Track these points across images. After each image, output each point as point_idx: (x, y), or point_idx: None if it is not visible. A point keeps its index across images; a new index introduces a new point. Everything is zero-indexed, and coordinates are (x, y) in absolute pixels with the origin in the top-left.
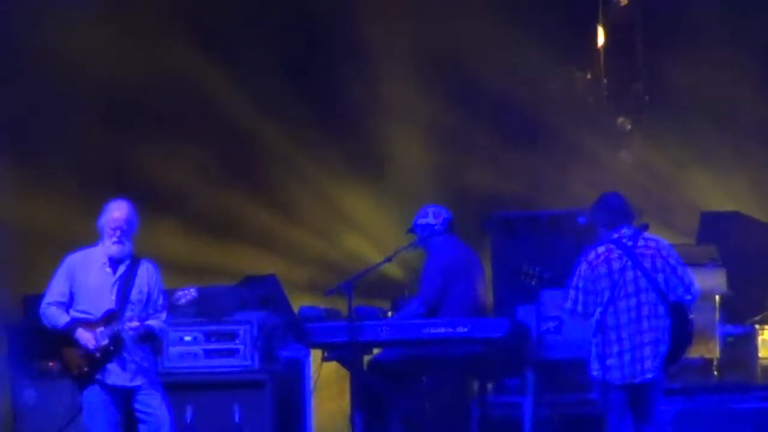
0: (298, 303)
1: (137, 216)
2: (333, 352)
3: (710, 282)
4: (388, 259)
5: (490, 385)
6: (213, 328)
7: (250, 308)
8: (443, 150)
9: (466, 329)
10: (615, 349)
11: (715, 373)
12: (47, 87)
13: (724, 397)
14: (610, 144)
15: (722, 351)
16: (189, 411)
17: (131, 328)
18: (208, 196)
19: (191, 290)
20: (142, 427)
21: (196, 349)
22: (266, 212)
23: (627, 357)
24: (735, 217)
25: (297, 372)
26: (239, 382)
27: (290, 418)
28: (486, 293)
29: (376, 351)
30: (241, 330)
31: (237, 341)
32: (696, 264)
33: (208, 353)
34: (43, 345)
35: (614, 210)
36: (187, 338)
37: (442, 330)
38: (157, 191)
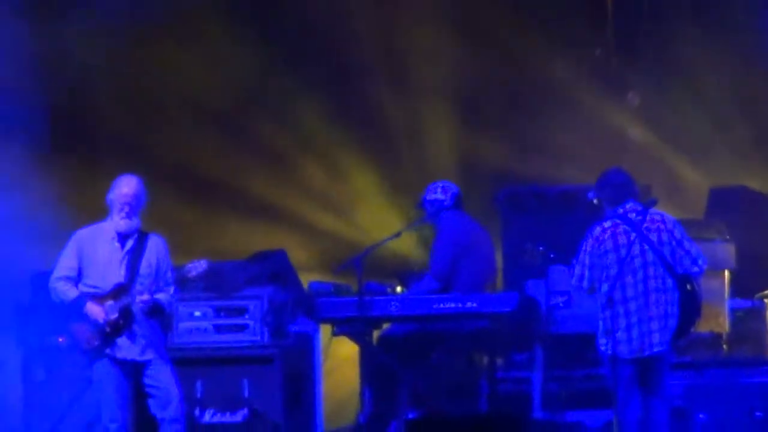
0: (307, 279)
1: (146, 191)
2: (342, 327)
3: (719, 257)
4: (397, 235)
5: (499, 360)
6: (223, 303)
7: (259, 283)
8: (456, 126)
9: (475, 304)
10: (623, 323)
11: (724, 347)
12: None
13: (733, 371)
14: (619, 119)
15: (731, 325)
16: (199, 386)
17: (142, 301)
18: (218, 170)
19: (202, 262)
20: (151, 402)
21: (205, 324)
22: (278, 187)
23: (635, 331)
24: (743, 192)
25: (306, 347)
26: (249, 357)
27: (300, 393)
28: (495, 268)
29: (385, 326)
30: (251, 305)
31: (247, 316)
32: (705, 239)
33: (218, 328)
34: (52, 321)
35: (618, 185)
36: (197, 313)
37: (452, 305)
38: (167, 165)
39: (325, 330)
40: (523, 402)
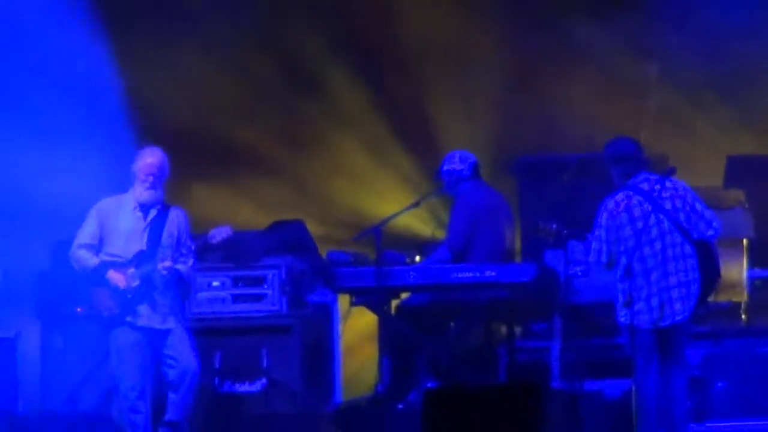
0: (326, 249)
1: (169, 164)
2: (361, 297)
3: (737, 226)
4: (416, 204)
5: (517, 330)
6: (241, 273)
7: (278, 253)
8: (473, 97)
9: (493, 274)
10: (644, 293)
11: (743, 316)
12: None
13: (751, 340)
14: (636, 89)
15: (750, 295)
16: (217, 356)
17: (165, 268)
18: (242, 139)
19: (226, 228)
20: (169, 372)
21: (224, 294)
22: (300, 158)
23: (655, 301)
24: (762, 160)
25: (325, 317)
26: (267, 327)
27: (318, 363)
28: (514, 238)
29: (404, 296)
30: (269, 275)
31: (265, 286)
32: (723, 208)
33: (236, 298)
34: (71, 291)
35: (629, 157)
36: (215, 283)
37: (470, 275)
38: (190, 136)
39: (343, 300)
40: (541, 371)
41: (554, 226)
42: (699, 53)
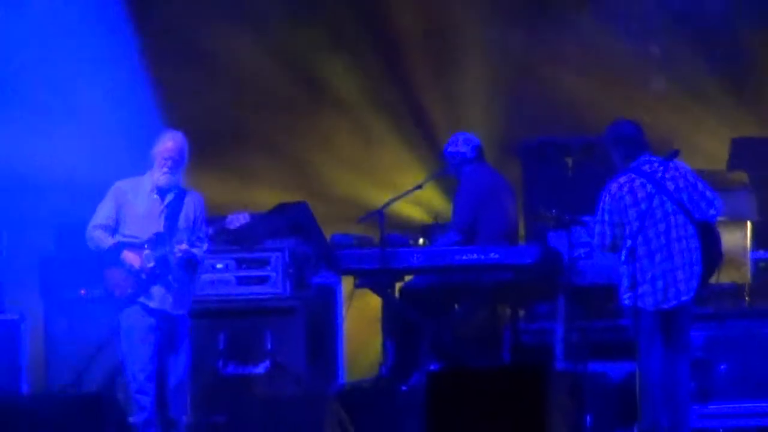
0: (330, 232)
1: (188, 150)
2: (365, 279)
3: (741, 207)
4: (419, 186)
5: (521, 312)
6: (245, 255)
7: (281, 235)
8: (476, 78)
9: (497, 255)
10: (648, 275)
11: (747, 298)
12: None
13: (754, 322)
14: (641, 70)
15: (753, 276)
16: (221, 338)
17: (180, 250)
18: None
19: (245, 215)
20: (169, 363)
21: (228, 276)
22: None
23: (660, 283)
24: (766, 142)
25: (329, 299)
26: (271, 309)
27: (322, 345)
28: (518, 220)
29: (407, 278)
30: (273, 257)
31: (269, 268)
32: (727, 190)
33: (240, 280)
34: (75, 273)
35: (631, 139)
36: (219, 265)
37: (474, 256)
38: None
39: (347, 282)
40: (545, 353)
41: (554, 211)
42: (699, 37)
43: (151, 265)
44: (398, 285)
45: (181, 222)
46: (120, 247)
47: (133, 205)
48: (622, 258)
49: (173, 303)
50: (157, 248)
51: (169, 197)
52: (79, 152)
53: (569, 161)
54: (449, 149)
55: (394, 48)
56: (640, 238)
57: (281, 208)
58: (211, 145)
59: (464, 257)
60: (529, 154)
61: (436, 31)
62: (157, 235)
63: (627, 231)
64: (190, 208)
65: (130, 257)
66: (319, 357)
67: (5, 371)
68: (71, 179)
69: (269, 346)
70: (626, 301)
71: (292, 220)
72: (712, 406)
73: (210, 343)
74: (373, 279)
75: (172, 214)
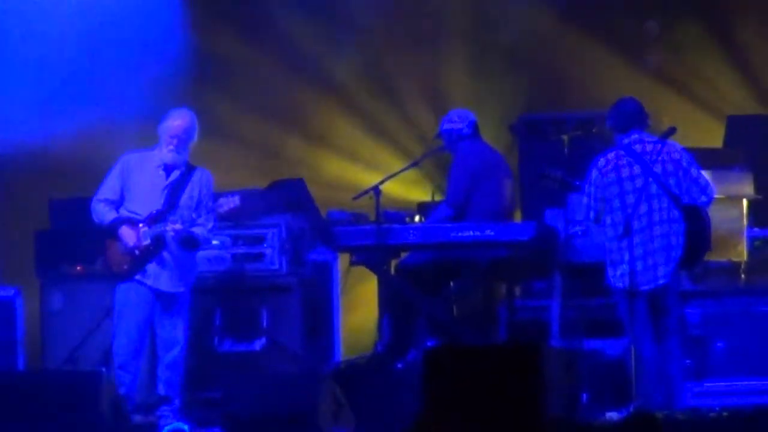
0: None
1: (197, 128)
2: (360, 256)
3: (737, 186)
4: (415, 163)
5: (517, 289)
6: (240, 231)
7: (277, 212)
8: (470, 55)
9: (493, 232)
10: (627, 256)
11: (743, 276)
12: None
13: (751, 299)
14: (637, 48)
15: (749, 254)
16: (217, 315)
17: (173, 230)
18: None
19: (235, 197)
20: (159, 340)
21: (223, 253)
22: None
23: (640, 264)
24: (762, 120)
25: (325, 276)
26: (267, 286)
27: (318, 322)
28: (513, 196)
29: (403, 255)
30: (269, 234)
31: (265, 245)
32: (723, 167)
33: (236, 257)
34: (71, 249)
35: (627, 114)
36: (215, 242)
37: (470, 233)
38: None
39: (343, 259)
40: (541, 330)
41: (559, 173)
42: (697, 12)
43: (147, 242)
44: (394, 262)
45: (184, 200)
46: (120, 221)
47: (138, 180)
48: (606, 235)
49: (169, 281)
50: (155, 225)
51: (174, 174)
52: (77, 126)
53: (565, 138)
54: (445, 126)
55: (392, 30)
56: (620, 217)
57: (277, 185)
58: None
59: (460, 234)
60: (525, 131)
61: (428, 13)
62: (156, 212)
63: (608, 207)
64: (195, 186)
65: (126, 233)
66: (315, 334)
67: (1, 348)
68: (67, 154)
69: (265, 323)
70: (611, 280)
71: (288, 197)
72: (708, 384)
73: (206, 320)
74: (369, 255)
75: (174, 191)
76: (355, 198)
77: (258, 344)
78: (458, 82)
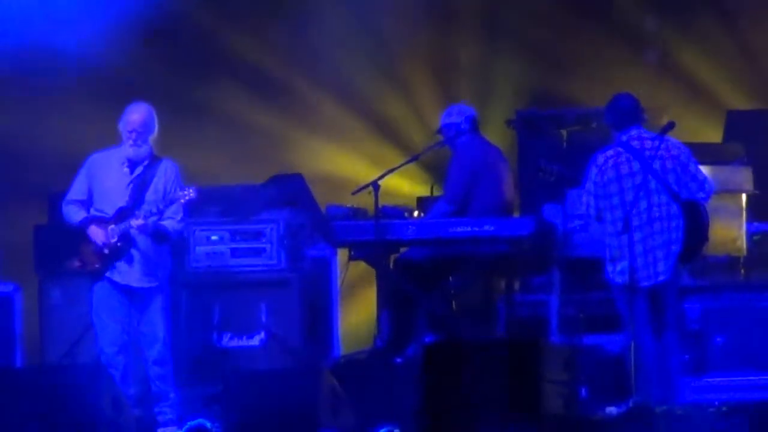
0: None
1: (155, 119)
2: (359, 251)
3: (737, 180)
4: (415, 158)
5: (516, 284)
6: (239, 227)
7: (276, 207)
8: (470, 49)
9: (492, 228)
10: (627, 252)
11: (742, 271)
12: None
13: (750, 294)
14: (636, 43)
15: (749, 249)
16: (216, 310)
17: (136, 226)
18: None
19: (190, 190)
20: (140, 337)
21: (222, 248)
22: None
23: (640, 261)
24: (762, 114)
25: (324, 271)
26: (266, 281)
27: (317, 317)
28: (512, 192)
29: (402, 250)
30: (268, 229)
31: (263, 240)
32: (722, 162)
33: (235, 252)
34: (68, 244)
35: (623, 111)
36: (214, 237)
37: (469, 229)
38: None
39: (342, 254)
40: (540, 326)
41: (556, 167)
42: (698, 5)
43: (115, 240)
44: (393, 257)
45: (150, 194)
46: (88, 221)
47: (103, 179)
48: (606, 232)
49: (139, 277)
50: (121, 223)
51: (138, 169)
52: (73, 121)
53: (563, 133)
54: (444, 121)
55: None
56: (620, 214)
57: (276, 180)
58: (184, 121)
59: (459, 229)
60: (524, 126)
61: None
62: (121, 209)
63: (609, 204)
64: (160, 178)
65: (95, 232)
66: (315, 329)
67: (0, 343)
68: (63, 147)
69: (264, 319)
70: (610, 276)
71: (287, 192)
72: (707, 379)
73: (204, 315)
74: (368, 251)
75: (139, 186)
76: (354, 193)
77: (257, 339)
78: (465, 73)
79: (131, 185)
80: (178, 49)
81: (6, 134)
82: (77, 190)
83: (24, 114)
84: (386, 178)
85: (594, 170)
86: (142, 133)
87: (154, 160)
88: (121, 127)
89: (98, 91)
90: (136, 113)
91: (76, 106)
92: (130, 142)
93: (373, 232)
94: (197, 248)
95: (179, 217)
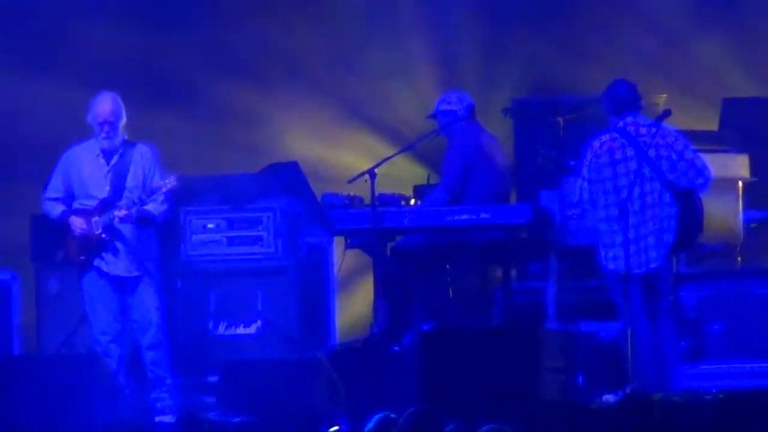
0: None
1: (122, 105)
2: (356, 239)
3: (733, 168)
4: (411, 146)
5: (513, 271)
6: (236, 215)
7: (273, 195)
8: (467, 38)
9: (488, 215)
10: (619, 239)
11: (739, 258)
12: None
13: (747, 282)
14: (634, 29)
15: (745, 237)
16: (212, 298)
17: (119, 217)
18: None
19: (171, 178)
20: (133, 324)
21: (218, 236)
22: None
23: (632, 247)
24: (757, 102)
25: (320, 259)
26: (262, 269)
27: (314, 305)
28: (509, 180)
29: (398, 238)
30: (264, 217)
31: (260, 228)
32: (718, 150)
33: (231, 240)
34: (64, 233)
35: (620, 97)
36: (210, 226)
37: (465, 216)
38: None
39: (339, 242)
40: (537, 313)
41: (554, 153)
42: None
43: (99, 231)
44: (389, 245)
45: (129, 181)
46: (68, 214)
47: (81, 173)
48: (599, 217)
49: (125, 266)
50: (104, 214)
51: (115, 159)
52: (67, 110)
53: (560, 121)
54: (441, 107)
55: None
56: (613, 200)
57: (272, 168)
58: (179, 110)
59: (455, 217)
60: (520, 114)
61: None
62: (103, 201)
63: (600, 189)
64: (138, 165)
65: (76, 223)
66: (311, 317)
67: None
68: (61, 136)
69: (260, 307)
70: (604, 262)
71: (283, 180)
72: (704, 366)
73: (201, 303)
74: (365, 239)
75: (118, 175)
76: (350, 181)
77: (254, 328)
78: (464, 62)
79: (110, 174)
80: (176, 39)
81: (2, 122)
82: (54, 187)
83: (21, 102)
84: (383, 168)
85: (589, 155)
86: (113, 122)
87: (128, 147)
88: (90, 120)
89: (98, 79)
90: (105, 104)
91: (75, 95)
92: (103, 134)
93: (370, 220)
94: (193, 236)
95: (161, 198)
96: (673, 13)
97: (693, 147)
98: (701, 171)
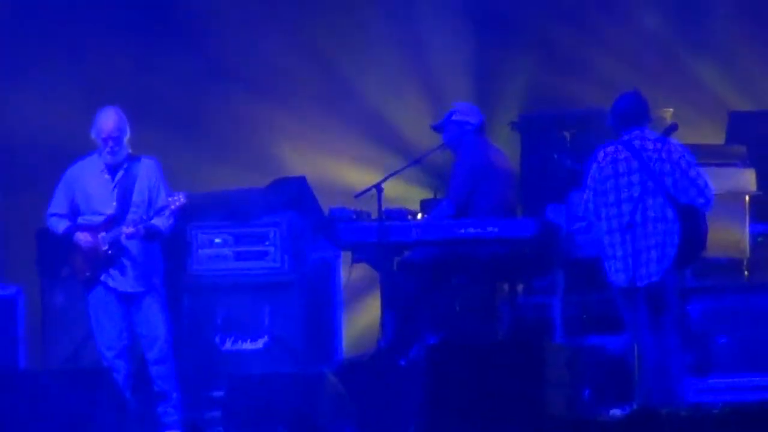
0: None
1: (126, 120)
2: (362, 253)
3: (739, 181)
4: (417, 161)
5: (520, 285)
6: (243, 230)
7: (279, 210)
8: (474, 51)
9: (495, 229)
10: (620, 252)
11: (745, 272)
12: None
13: (753, 295)
14: (638, 40)
15: (752, 250)
16: (219, 313)
17: (126, 234)
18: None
19: (180, 196)
20: (141, 341)
21: (225, 251)
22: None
23: (631, 260)
24: (764, 116)
25: (327, 273)
26: (269, 283)
27: (320, 320)
28: (515, 194)
29: (405, 252)
30: (271, 232)
31: (267, 243)
32: (725, 163)
33: (238, 255)
34: (70, 248)
35: (624, 112)
36: (217, 240)
37: (472, 230)
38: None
39: (346, 256)
40: (544, 327)
41: (568, 162)
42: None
43: (105, 248)
44: (396, 259)
45: (136, 196)
46: (73, 230)
47: (86, 188)
48: (603, 229)
49: (131, 282)
50: (112, 230)
51: (120, 174)
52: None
53: (567, 134)
54: (455, 117)
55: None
56: (614, 211)
57: (279, 183)
58: (187, 125)
59: (462, 231)
60: (527, 128)
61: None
62: (110, 217)
63: (603, 201)
64: (143, 179)
65: (82, 238)
66: (318, 331)
67: (3, 346)
68: (69, 150)
69: (267, 322)
70: (608, 274)
71: (291, 195)
72: (710, 380)
73: (207, 318)
74: (371, 253)
75: (124, 190)
76: (357, 196)
77: (260, 342)
78: (464, 76)
79: (116, 190)
80: (182, 53)
81: (10, 137)
82: (57, 204)
83: (30, 118)
84: (390, 183)
85: (594, 166)
86: (117, 138)
87: (132, 161)
88: (94, 135)
89: (105, 97)
90: (109, 119)
91: (85, 111)
92: (108, 149)
93: (377, 234)
94: (200, 251)
95: (167, 213)
96: (676, 28)
97: (698, 165)
98: (702, 191)
